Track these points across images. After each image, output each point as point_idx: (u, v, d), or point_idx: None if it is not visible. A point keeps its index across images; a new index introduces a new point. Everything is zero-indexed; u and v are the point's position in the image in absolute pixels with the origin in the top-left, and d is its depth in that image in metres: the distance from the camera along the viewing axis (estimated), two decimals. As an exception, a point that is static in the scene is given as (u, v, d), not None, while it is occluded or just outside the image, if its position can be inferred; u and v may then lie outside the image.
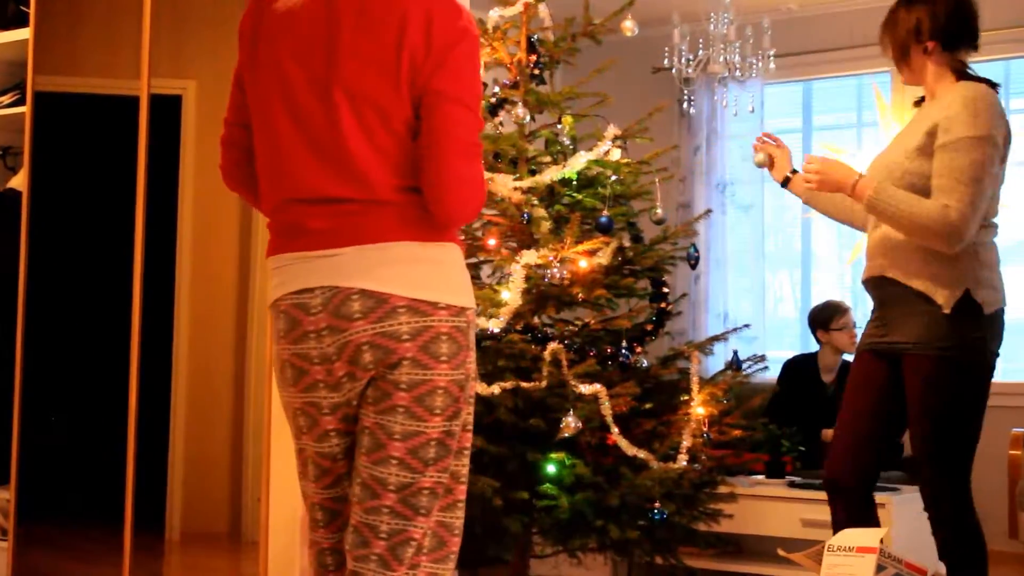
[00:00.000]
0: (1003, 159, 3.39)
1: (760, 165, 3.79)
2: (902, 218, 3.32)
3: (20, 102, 4.81)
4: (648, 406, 4.10)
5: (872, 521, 3.53)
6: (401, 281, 2.25)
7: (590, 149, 4.20)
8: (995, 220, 3.46)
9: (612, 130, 4.24)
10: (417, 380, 2.26)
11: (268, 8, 2.41)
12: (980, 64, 6.29)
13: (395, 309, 2.25)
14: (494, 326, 3.95)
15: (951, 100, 3.36)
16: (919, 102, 3.61)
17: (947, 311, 3.34)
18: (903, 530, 4.74)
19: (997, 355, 3.47)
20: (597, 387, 3.89)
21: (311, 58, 2.32)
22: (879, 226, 3.50)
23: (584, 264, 4.02)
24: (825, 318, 5.78)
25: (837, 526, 3.49)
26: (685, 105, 6.49)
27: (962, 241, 3.29)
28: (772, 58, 6.07)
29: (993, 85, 3.46)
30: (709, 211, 5.28)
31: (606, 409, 3.89)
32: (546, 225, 4.10)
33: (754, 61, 6.14)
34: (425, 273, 2.28)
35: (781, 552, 3.76)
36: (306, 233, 2.32)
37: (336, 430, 2.38)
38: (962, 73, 3.47)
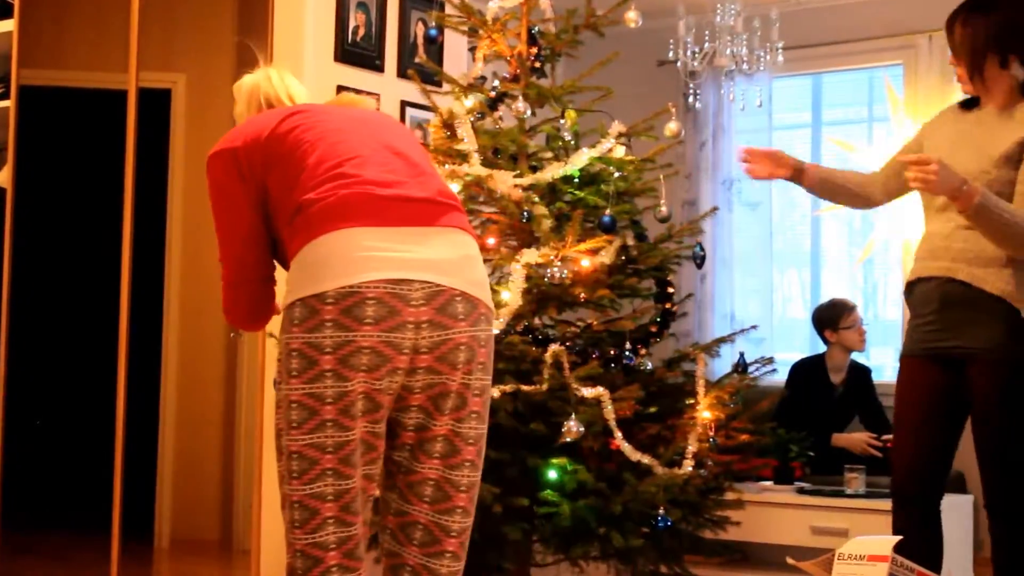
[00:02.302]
0: None
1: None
2: (1012, 227, 3.28)
3: (4, 96, 4.79)
4: (652, 410, 4.08)
5: (936, 534, 3.52)
6: (485, 288, 2.52)
7: (593, 145, 4.17)
8: None
9: (617, 127, 4.21)
10: (485, 384, 2.50)
11: None
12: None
13: (482, 315, 2.51)
14: (493, 327, 3.89)
15: None
16: (966, 104, 3.56)
17: None
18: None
19: None
20: (600, 390, 3.86)
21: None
22: (944, 225, 3.46)
23: (586, 263, 3.98)
24: (833, 317, 5.73)
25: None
26: (691, 99, 6.41)
27: None
28: (780, 51, 6.01)
29: None
30: (715, 209, 5.27)
31: (609, 413, 3.86)
32: (547, 223, 4.06)
33: (762, 54, 6.07)
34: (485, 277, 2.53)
35: (790, 560, 3.69)
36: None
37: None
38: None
